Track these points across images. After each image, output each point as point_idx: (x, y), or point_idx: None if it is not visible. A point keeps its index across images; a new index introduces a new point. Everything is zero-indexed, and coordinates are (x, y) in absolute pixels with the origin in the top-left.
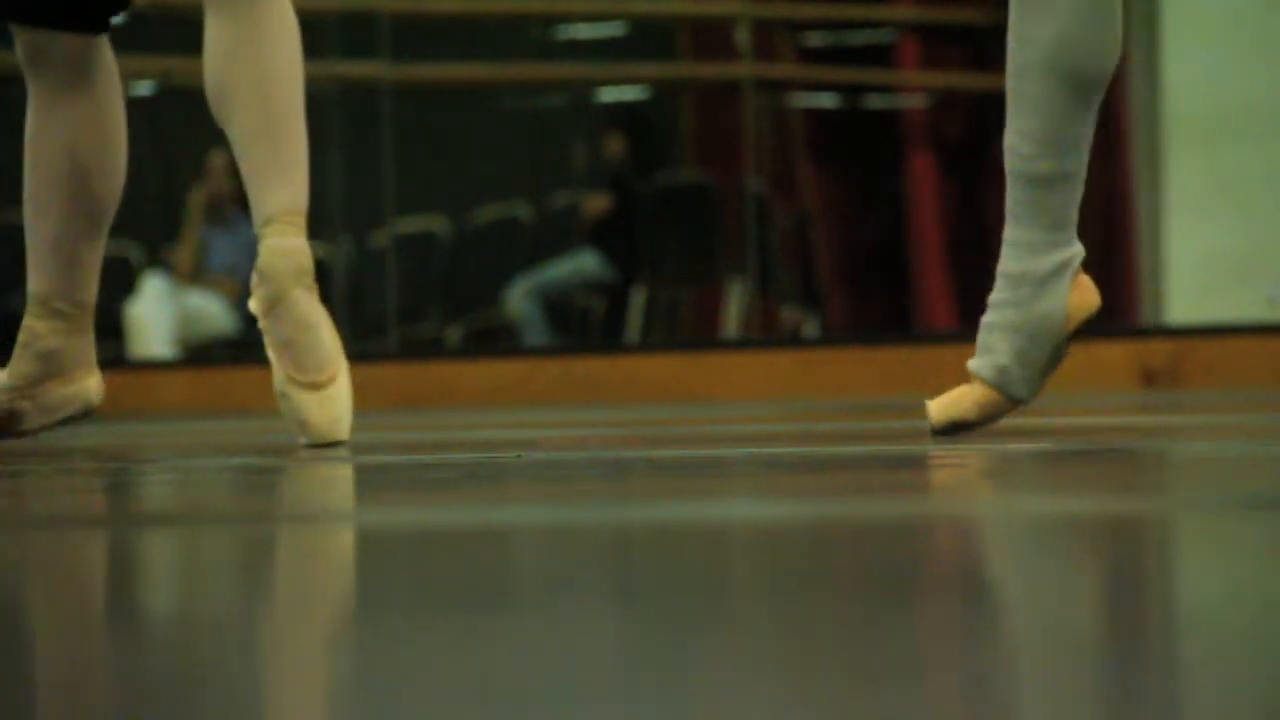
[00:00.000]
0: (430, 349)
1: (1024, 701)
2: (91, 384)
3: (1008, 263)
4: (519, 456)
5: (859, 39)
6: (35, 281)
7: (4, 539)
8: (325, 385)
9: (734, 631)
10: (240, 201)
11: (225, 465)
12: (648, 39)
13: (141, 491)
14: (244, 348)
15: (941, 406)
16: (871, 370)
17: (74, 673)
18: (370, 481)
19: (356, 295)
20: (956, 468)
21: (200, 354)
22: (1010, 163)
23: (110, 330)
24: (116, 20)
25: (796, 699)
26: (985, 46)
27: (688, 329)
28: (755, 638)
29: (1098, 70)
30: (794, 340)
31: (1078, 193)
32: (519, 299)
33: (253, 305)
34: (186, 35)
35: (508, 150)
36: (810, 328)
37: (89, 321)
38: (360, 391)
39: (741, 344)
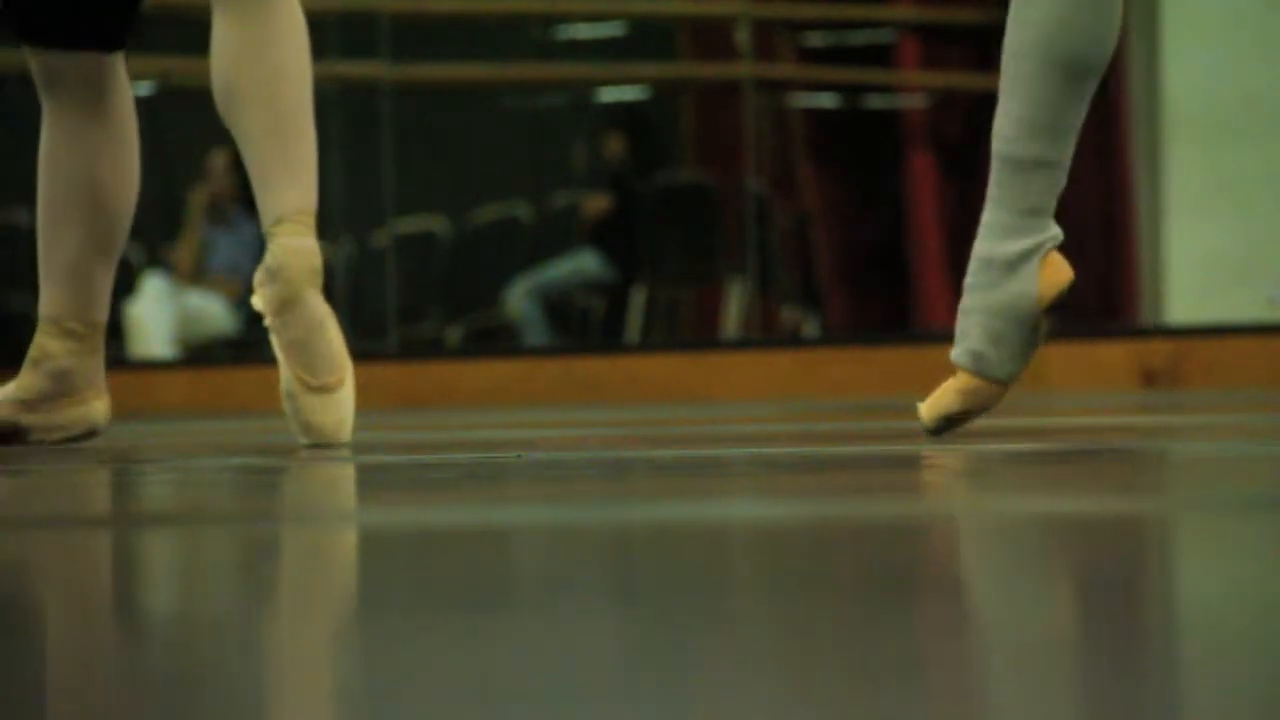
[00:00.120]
0: (430, 349)
1: (1024, 701)
2: (99, 407)
3: (980, 245)
4: (519, 456)
5: (859, 39)
6: (48, 301)
7: (5, 539)
8: (334, 389)
9: (734, 631)
10: (240, 201)
11: (225, 465)
12: (648, 39)
13: (142, 491)
14: (244, 348)
15: (929, 405)
16: (871, 370)
17: (75, 672)
18: (371, 481)
19: (356, 295)
20: (956, 468)
21: (200, 354)
22: (995, 145)
23: (110, 330)
24: (129, 36)
25: (796, 699)
26: (985, 46)
27: (688, 329)
28: (755, 638)
29: (1092, 57)
30: (794, 340)
31: (1058, 182)
32: (519, 299)
33: (259, 304)
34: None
35: (508, 150)
36: (810, 328)
37: (101, 341)
38: (360, 391)
39: (741, 344)
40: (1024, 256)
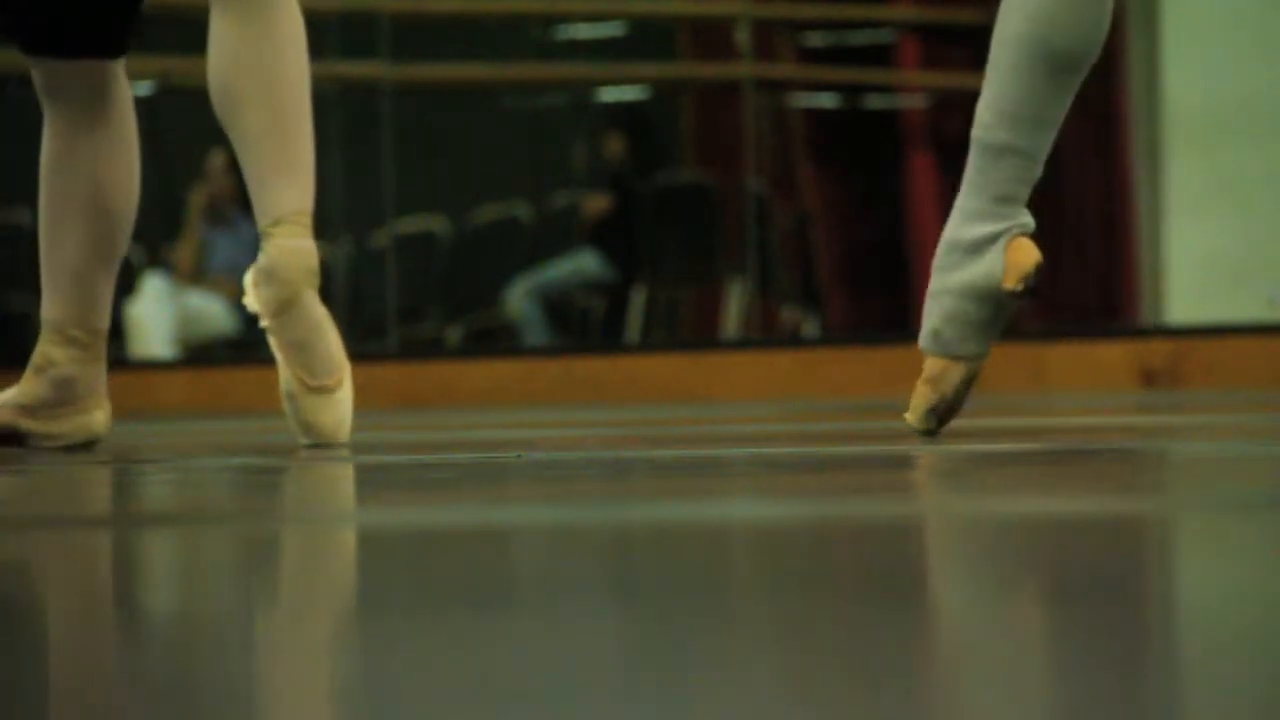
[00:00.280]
0: (430, 349)
1: (1023, 701)
2: (100, 416)
3: (948, 229)
4: (519, 456)
5: (859, 39)
6: (51, 308)
7: (5, 539)
8: (334, 389)
9: (734, 631)
10: (240, 201)
11: (225, 465)
12: (648, 39)
13: (142, 491)
14: (244, 348)
15: (910, 410)
16: (871, 370)
17: (74, 672)
18: (371, 481)
19: (356, 295)
20: (955, 468)
21: (200, 354)
22: (973, 130)
23: (110, 330)
24: (130, 42)
25: (796, 699)
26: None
27: (688, 329)
28: (755, 638)
29: (1078, 52)
30: (794, 340)
31: (1030, 172)
32: (519, 299)
33: (254, 305)
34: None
35: (508, 150)
36: (810, 328)
37: (103, 349)
38: (360, 391)
39: (741, 344)
40: (990, 239)
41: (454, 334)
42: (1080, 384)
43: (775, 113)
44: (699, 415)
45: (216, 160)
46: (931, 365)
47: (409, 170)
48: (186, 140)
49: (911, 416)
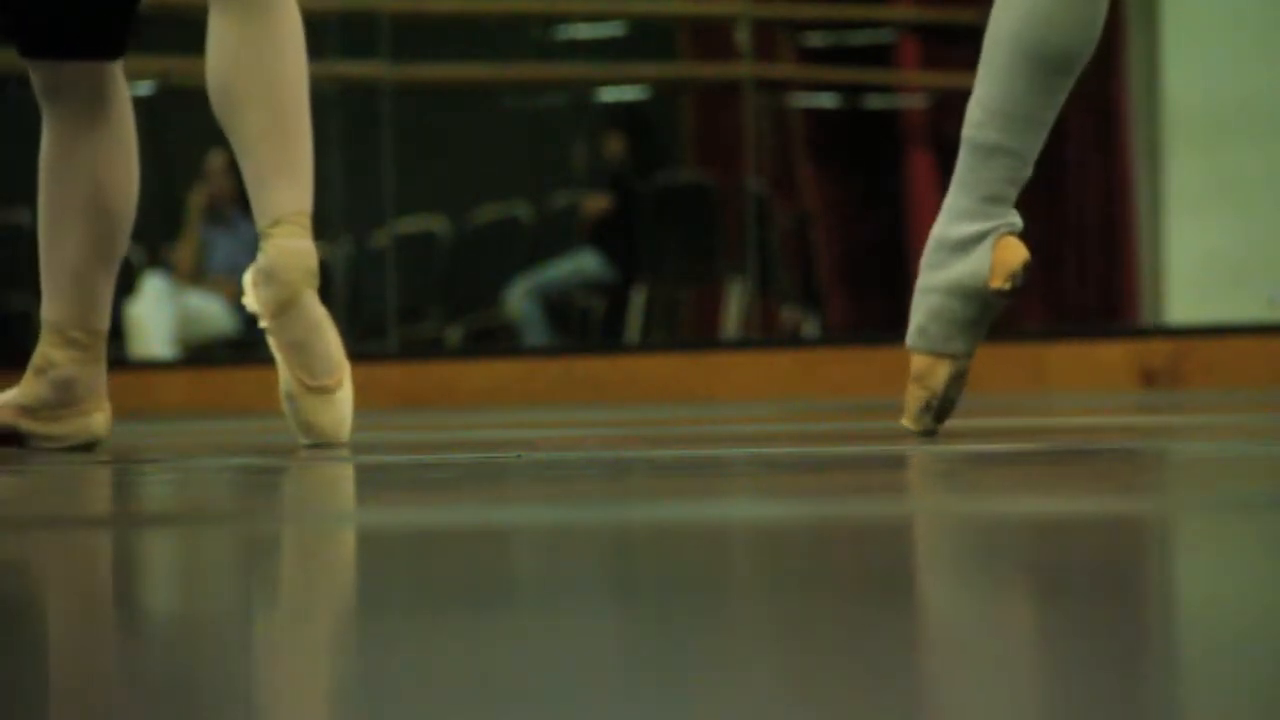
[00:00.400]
0: (430, 349)
1: (1023, 701)
2: (100, 419)
3: (936, 227)
4: (519, 456)
5: (859, 39)
6: (51, 309)
7: (5, 539)
8: (334, 390)
9: (734, 631)
10: (240, 201)
11: (225, 465)
12: (648, 39)
13: (142, 491)
14: (244, 348)
15: (905, 410)
16: (871, 370)
17: (74, 672)
18: (370, 481)
19: (356, 295)
20: (955, 468)
21: (200, 354)
22: (964, 129)
23: (110, 331)
24: (128, 42)
25: (796, 699)
26: None
27: (688, 329)
28: (755, 638)
29: (1069, 53)
30: (794, 340)
31: (1020, 173)
32: (519, 299)
33: (253, 305)
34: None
35: (508, 150)
36: (810, 328)
37: (103, 351)
38: (360, 391)
39: (741, 344)
40: (977, 238)
41: (454, 334)
42: (1080, 384)
43: (775, 113)
44: (699, 415)
45: (216, 160)
46: (917, 363)
47: (409, 170)
48: (186, 140)
49: (907, 419)
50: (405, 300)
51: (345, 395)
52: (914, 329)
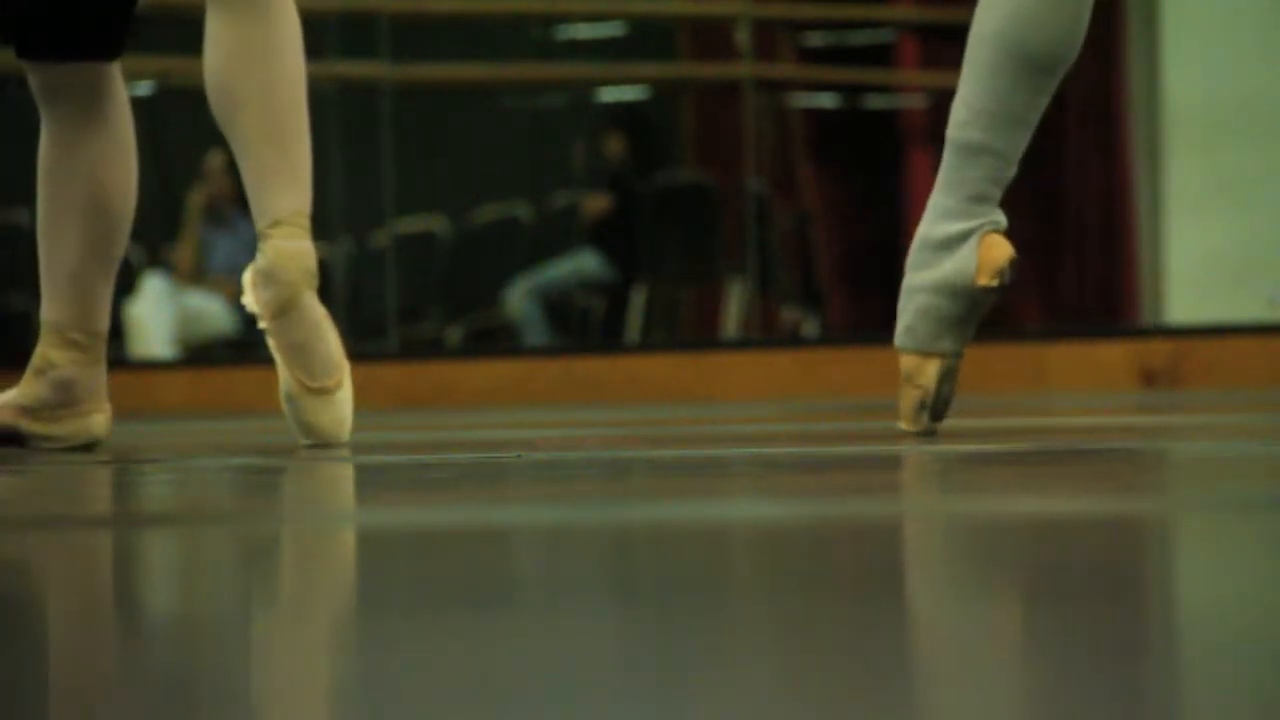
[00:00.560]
0: (430, 349)
1: (1024, 701)
2: (100, 420)
3: (921, 226)
4: (519, 456)
5: (859, 39)
6: (50, 311)
7: (5, 539)
8: (334, 390)
9: (733, 631)
10: (239, 201)
11: (225, 465)
12: (648, 39)
13: (142, 491)
14: (244, 348)
15: (900, 412)
16: (871, 370)
17: (74, 672)
18: (370, 481)
19: (356, 295)
20: (955, 468)
21: (200, 354)
22: (948, 129)
23: (110, 331)
24: (125, 43)
25: (796, 699)
26: None
27: (688, 329)
28: (754, 638)
29: (1054, 54)
30: (794, 340)
31: (1003, 172)
32: (519, 299)
33: (253, 306)
34: (186, 35)
35: (508, 150)
36: (810, 328)
37: (102, 352)
38: (360, 391)
39: (741, 344)
40: (962, 236)
41: (454, 334)
42: (1080, 384)
43: (775, 113)
44: (699, 415)
45: (215, 160)
46: (906, 362)
47: (409, 170)
48: (186, 140)
49: (903, 421)
50: (405, 300)
51: (345, 396)
52: (901, 329)
